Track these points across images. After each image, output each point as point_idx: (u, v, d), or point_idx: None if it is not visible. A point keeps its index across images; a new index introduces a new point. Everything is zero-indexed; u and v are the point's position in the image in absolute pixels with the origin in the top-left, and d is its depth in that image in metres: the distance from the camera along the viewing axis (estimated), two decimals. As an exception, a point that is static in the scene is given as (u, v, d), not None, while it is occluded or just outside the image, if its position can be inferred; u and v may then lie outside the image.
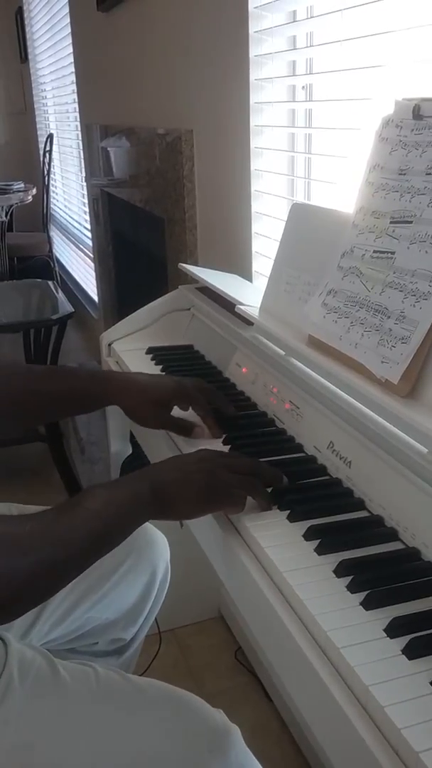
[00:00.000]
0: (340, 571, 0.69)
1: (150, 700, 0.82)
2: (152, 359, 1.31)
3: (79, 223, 3.96)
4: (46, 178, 4.37)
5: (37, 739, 0.75)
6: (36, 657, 0.83)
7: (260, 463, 0.83)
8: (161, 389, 0.98)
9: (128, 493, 0.74)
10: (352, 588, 0.66)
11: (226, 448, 0.94)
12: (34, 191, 4.46)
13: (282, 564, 0.70)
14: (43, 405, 0.99)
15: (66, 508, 0.71)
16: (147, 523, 0.82)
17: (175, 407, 1.00)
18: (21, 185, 4.45)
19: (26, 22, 4.79)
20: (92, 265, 3.41)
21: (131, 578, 1.05)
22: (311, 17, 1.28)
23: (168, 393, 0.97)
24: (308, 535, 0.74)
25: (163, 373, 1.22)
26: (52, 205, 4.59)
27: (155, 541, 1.11)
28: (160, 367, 1.26)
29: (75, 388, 0.98)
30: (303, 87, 1.37)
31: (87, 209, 3.38)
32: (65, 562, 0.68)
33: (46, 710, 0.78)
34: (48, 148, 4.29)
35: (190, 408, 1.01)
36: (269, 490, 0.81)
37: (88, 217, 3.39)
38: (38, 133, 5.13)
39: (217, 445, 0.96)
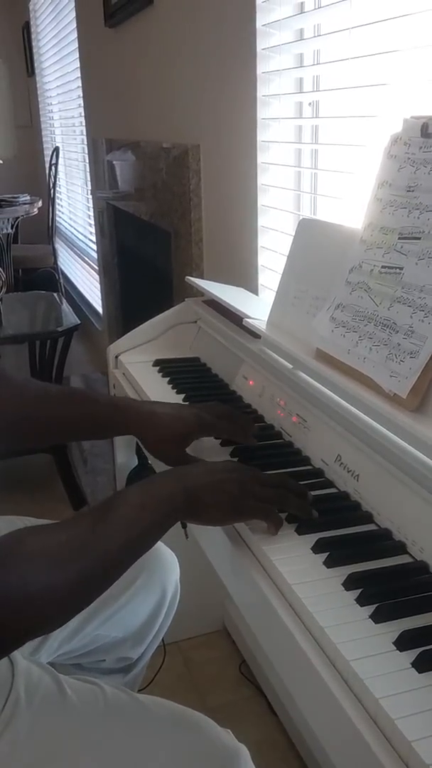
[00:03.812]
0: (349, 584, 0.69)
1: (158, 721, 0.81)
2: (159, 371, 1.32)
3: (85, 236, 3.98)
4: (52, 191, 4.40)
5: (45, 760, 0.74)
6: (43, 676, 0.82)
7: (288, 477, 0.83)
8: (182, 425, 0.94)
9: (162, 496, 0.74)
10: (362, 601, 0.67)
11: (233, 460, 0.95)
12: (40, 204, 4.49)
13: (291, 576, 0.70)
14: (55, 428, 0.95)
15: (100, 516, 0.70)
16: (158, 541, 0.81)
17: None
18: (27, 198, 4.48)
19: (33, 37, 4.85)
20: (97, 277, 3.43)
21: (142, 597, 1.05)
22: (318, 35, 1.29)
23: (189, 428, 0.94)
24: (317, 548, 0.75)
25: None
26: (57, 218, 4.62)
27: (166, 559, 1.10)
28: (167, 379, 1.27)
29: (93, 414, 0.95)
30: (310, 103, 1.38)
31: (92, 222, 3.40)
32: (102, 574, 0.68)
33: (53, 732, 0.77)
34: (54, 161, 4.33)
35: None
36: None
37: (93, 230, 3.41)
38: (44, 146, 5.18)
39: (225, 456, 0.96)
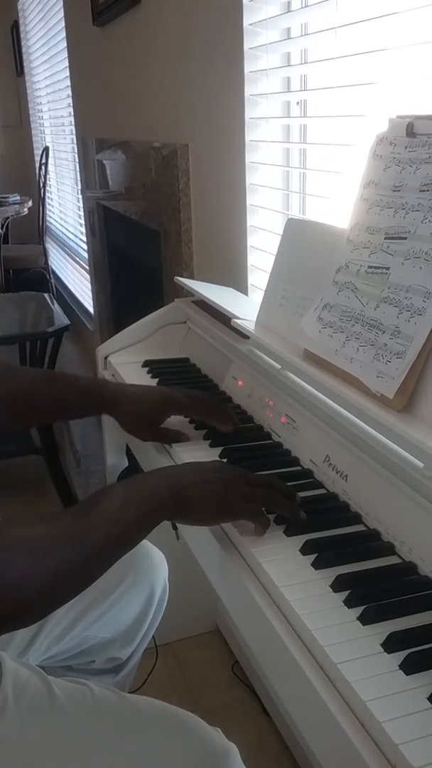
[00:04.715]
0: (337, 585, 0.69)
1: (147, 720, 0.81)
2: (148, 372, 1.32)
3: (75, 236, 3.97)
4: (42, 191, 4.39)
5: (33, 761, 0.74)
6: (31, 677, 0.82)
7: (276, 478, 0.83)
8: (153, 401, 1.00)
9: (147, 493, 0.73)
10: (349, 603, 0.66)
11: (222, 461, 0.95)
12: (30, 203, 4.48)
13: (279, 579, 0.70)
14: (37, 409, 1.00)
15: (83, 510, 0.69)
16: (145, 540, 0.81)
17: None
18: (17, 197, 4.47)
19: (22, 36, 4.83)
20: (88, 277, 3.42)
21: (129, 597, 1.05)
22: (305, 34, 1.29)
23: (159, 405, 1.00)
24: (305, 550, 0.75)
25: (156, 384, 1.23)
26: (47, 218, 4.60)
27: (154, 559, 1.10)
28: (157, 380, 1.27)
29: (72, 395, 1.00)
30: (297, 103, 1.38)
31: (83, 222, 3.39)
32: (83, 567, 0.67)
33: (41, 732, 0.77)
34: (44, 161, 4.31)
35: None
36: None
37: (83, 230, 3.40)
38: (34, 146, 5.16)
39: (214, 457, 0.96)
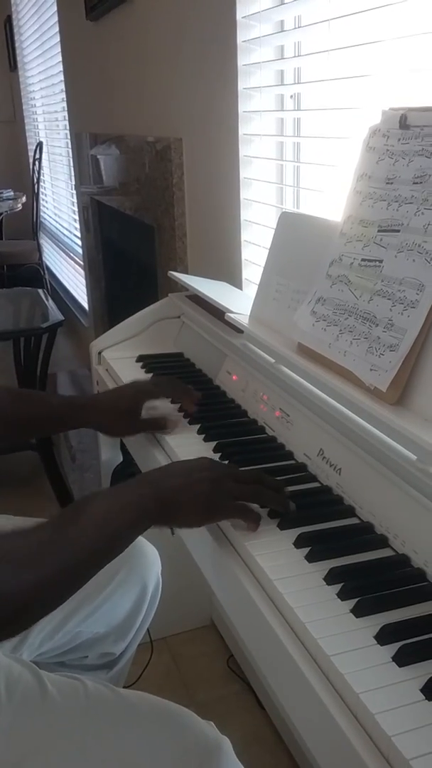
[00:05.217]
0: (331, 578, 0.69)
1: (139, 714, 0.81)
2: (142, 367, 1.32)
3: (69, 231, 3.96)
4: (36, 186, 4.37)
5: (26, 756, 0.74)
6: (24, 672, 0.82)
7: (263, 473, 0.82)
8: (126, 395, 1.04)
9: (132, 499, 0.73)
10: (342, 595, 0.66)
11: (216, 455, 0.94)
12: (24, 199, 4.46)
13: (272, 572, 0.70)
14: (12, 425, 1.01)
15: (70, 517, 0.70)
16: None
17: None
18: (11, 193, 4.46)
19: (15, 31, 4.80)
20: (82, 272, 3.41)
21: (122, 592, 1.05)
22: (299, 27, 1.29)
23: (132, 399, 1.03)
24: (299, 543, 0.75)
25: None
26: (42, 213, 4.59)
27: (146, 554, 1.10)
28: (151, 375, 1.27)
29: (45, 411, 1.02)
30: (291, 96, 1.38)
31: (77, 217, 3.38)
32: (71, 573, 0.68)
33: (34, 727, 0.77)
34: (38, 156, 4.30)
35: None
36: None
37: (78, 225, 3.39)
38: (28, 141, 5.14)
39: (207, 452, 0.96)
